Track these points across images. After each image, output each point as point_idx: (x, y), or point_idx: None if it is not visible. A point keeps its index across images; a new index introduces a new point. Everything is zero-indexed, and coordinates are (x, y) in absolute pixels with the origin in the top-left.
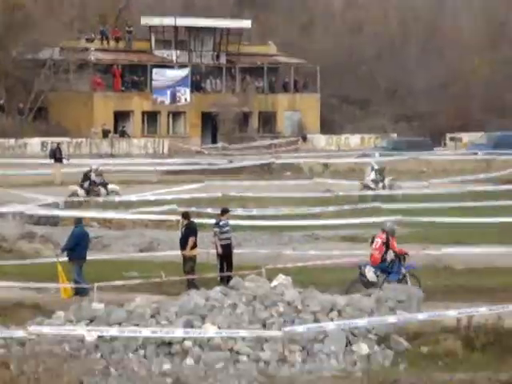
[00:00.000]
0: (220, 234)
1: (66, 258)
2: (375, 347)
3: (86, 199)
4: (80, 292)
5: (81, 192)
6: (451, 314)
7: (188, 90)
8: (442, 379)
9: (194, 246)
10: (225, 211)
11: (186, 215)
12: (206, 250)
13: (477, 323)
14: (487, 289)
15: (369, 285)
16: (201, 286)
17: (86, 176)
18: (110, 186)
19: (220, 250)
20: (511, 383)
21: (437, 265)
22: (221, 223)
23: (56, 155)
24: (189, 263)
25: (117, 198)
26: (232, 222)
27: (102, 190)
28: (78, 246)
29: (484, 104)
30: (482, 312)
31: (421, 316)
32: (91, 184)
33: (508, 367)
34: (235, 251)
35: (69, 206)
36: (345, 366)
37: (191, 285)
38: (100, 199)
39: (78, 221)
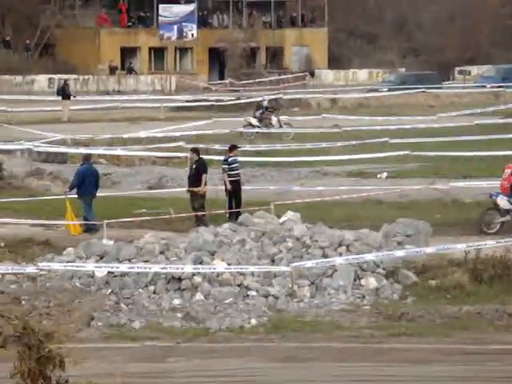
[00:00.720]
0: (229, 170)
1: (74, 195)
2: (383, 281)
3: (258, 130)
4: (90, 229)
5: (254, 121)
6: (459, 247)
7: (195, 26)
8: (450, 311)
9: (205, 182)
10: (233, 147)
11: (196, 151)
12: (215, 187)
13: (484, 256)
14: None
15: (504, 213)
16: (209, 223)
17: (259, 105)
18: (282, 118)
19: (229, 186)
20: None
21: (445, 199)
22: (229, 160)
23: (64, 92)
24: (198, 200)
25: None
26: (240, 158)
27: (274, 119)
28: (84, 184)
29: (492, 37)
30: (490, 245)
31: (429, 250)
32: (263, 112)
33: None
34: (244, 188)
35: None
36: (353, 300)
37: (200, 221)
38: (274, 130)
39: (86, 158)
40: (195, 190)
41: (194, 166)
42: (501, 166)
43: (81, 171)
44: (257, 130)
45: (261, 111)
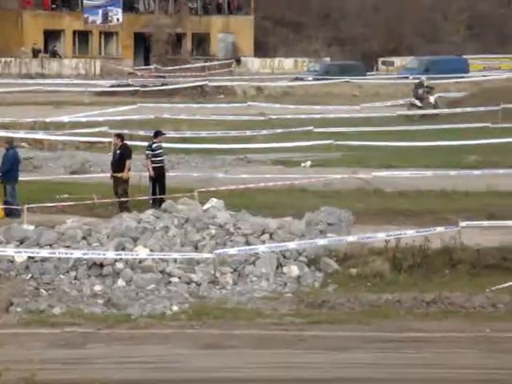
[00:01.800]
0: (152, 156)
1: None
2: (305, 269)
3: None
4: (13, 214)
5: (418, 102)
6: (380, 236)
7: (120, 10)
8: (370, 299)
9: (128, 168)
10: (158, 133)
11: (120, 136)
12: (139, 173)
13: (404, 245)
14: (415, 212)
15: None
16: (133, 209)
17: (420, 84)
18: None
19: (152, 172)
20: (436, 303)
21: (367, 188)
22: (153, 146)
23: None
24: (122, 185)
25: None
26: (165, 145)
27: (431, 98)
28: (12, 169)
29: (415, 28)
30: (410, 234)
31: (350, 238)
32: (424, 92)
33: (433, 287)
34: (168, 174)
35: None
36: (275, 288)
37: (123, 207)
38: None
39: (11, 143)
40: (119, 175)
41: (118, 152)
42: (420, 156)
43: (10, 156)
44: (421, 111)
45: (422, 91)
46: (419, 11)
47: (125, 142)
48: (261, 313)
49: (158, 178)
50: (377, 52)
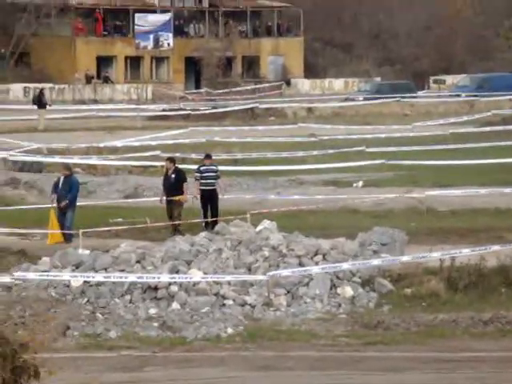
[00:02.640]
0: (201, 179)
1: (55, 204)
2: (359, 290)
3: None
4: (68, 238)
5: None
6: (434, 255)
7: (171, 35)
8: (425, 319)
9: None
10: (208, 156)
11: (172, 160)
12: (191, 196)
13: (460, 264)
14: (470, 230)
15: None
16: (186, 232)
17: None
18: None
19: (199, 194)
20: (493, 322)
21: (420, 207)
22: (201, 168)
23: (39, 101)
24: (178, 209)
25: None
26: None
27: None
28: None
29: (467, 46)
30: (465, 253)
31: (404, 258)
32: None
33: (489, 307)
34: (220, 196)
35: None
36: (329, 309)
37: (177, 230)
38: None
39: (70, 169)
40: (176, 198)
41: (173, 176)
42: (475, 174)
43: (76, 182)
44: None
45: None
46: (471, 29)
47: (176, 165)
48: (315, 334)
49: (210, 200)
50: (428, 71)
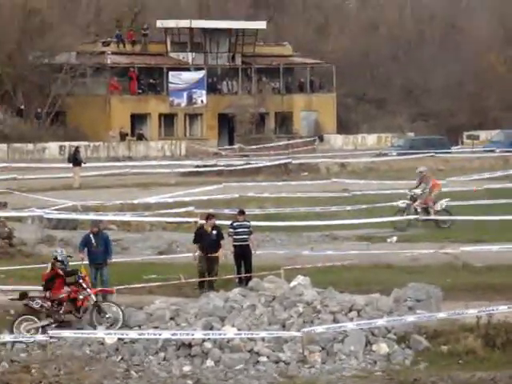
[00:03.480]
0: (234, 234)
1: (86, 262)
2: (395, 346)
3: None
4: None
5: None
6: (471, 312)
7: (204, 92)
8: (463, 378)
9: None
10: (241, 212)
11: (213, 216)
12: (226, 251)
13: (497, 321)
14: (506, 286)
15: None
16: (219, 288)
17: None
18: None
19: (232, 250)
20: None
21: (455, 263)
22: (234, 224)
23: (75, 159)
24: (217, 265)
25: None
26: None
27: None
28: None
29: (500, 101)
30: (502, 310)
31: (440, 315)
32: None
33: None
34: (253, 252)
35: None
36: (365, 366)
37: (211, 287)
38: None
39: (98, 225)
40: (217, 255)
41: (214, 232)
42: (510, 230)
43: (109, 238)
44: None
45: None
46: (504, 84)
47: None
48: None
49: (243, 256)
50: (462, 126)
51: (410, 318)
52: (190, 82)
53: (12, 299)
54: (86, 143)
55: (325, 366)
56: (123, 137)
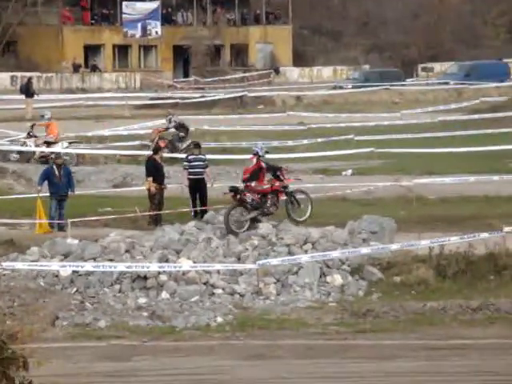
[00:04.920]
0: (189, 168)
1: (45, 194)
2: (349, 278)
3: None
4: (62, 227)
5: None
6: (423, 243)
7: (159, 23)
8: (414, 307)
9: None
10: (196, 145)
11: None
12: (180, 185)
13: (448, 252)
14: (459, 218)
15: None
16: (175, 221)
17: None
18: None
19: (187, 183)
20: (481, 309)
21: (409, 195)
22: (189, 157)
23: (27, 90)
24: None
25: None
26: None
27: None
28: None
29: (455, 34)
30: (454, 241)
31: (393, 246)
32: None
33: (478, 294)
34: (209, 185)
35: None
36: (319, 297)
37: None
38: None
39: (62, 157)
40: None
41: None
42: (463, 162)
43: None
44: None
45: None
46: (459, 17)
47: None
48: (305, 323)
49: (198, 189)
50: (416, 58)
51: (364, 250)
52: (144, 12)
53: (225, 193)
54: (39, 74)
55: (279, 298)
56: (76, 68)
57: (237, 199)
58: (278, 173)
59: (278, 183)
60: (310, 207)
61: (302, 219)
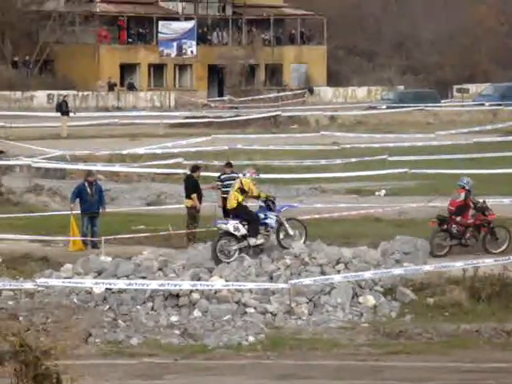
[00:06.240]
0: (222, 187)
1: (78, 211)
2: (381, 299)
3: None
4: (95, 245)
5: None
6: (457, 265)
7: (194, 43)
8: (448, 329)
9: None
10: (228, 165)
11: (197, 168)
12: (214, 204)
13: (482, 274)
14: None
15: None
16: (208, 240)
17: None
18: None
19: (220, 203)
20: None
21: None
22: (222, 176)
23: (62, 108)
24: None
25: None
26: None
27: None
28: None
29: (491, 55)
30: (488, 263)
31: (427, 267)
32: None
33: None
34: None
35: None
36: (351, 318)
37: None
38: None
39: (94, 174)
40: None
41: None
42: (498, 183)
43: (100, 189)
44: None
45: None
46: (494, 38)
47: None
48: (337, 343)
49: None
50: (451, 79)
51: (397, 271)
52: (180, 32)
53: (432, 220)
54: (75, 92)
55: (311, 318)
56: (111, 87)
57: (443, 228)
58: (487, 212)
59: (481, 218)
60: (507, 241)
61: (497, 251)
